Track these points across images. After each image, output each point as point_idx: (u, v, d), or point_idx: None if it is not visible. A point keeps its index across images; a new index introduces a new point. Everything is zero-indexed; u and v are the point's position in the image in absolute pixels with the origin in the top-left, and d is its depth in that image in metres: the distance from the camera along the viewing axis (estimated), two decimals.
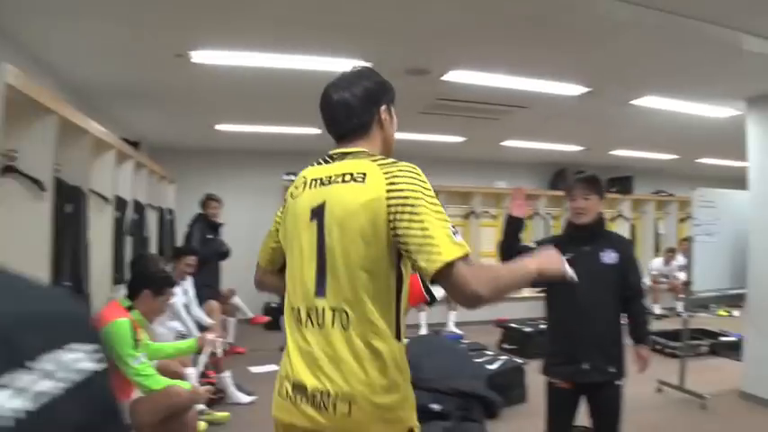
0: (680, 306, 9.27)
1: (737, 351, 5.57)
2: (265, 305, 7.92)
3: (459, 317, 7.84)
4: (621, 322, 2.85)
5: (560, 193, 9.35)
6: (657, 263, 9.55)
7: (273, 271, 1.83)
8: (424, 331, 7.50)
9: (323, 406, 1.41)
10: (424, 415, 3.89)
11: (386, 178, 1.42)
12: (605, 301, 2.76)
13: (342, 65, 4.28)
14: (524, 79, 4.65)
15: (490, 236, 9.25)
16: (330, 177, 1.52)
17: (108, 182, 4.18)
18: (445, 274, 1.32)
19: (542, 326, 6.44)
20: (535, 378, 4.22)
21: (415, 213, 1.36)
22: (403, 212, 1.37)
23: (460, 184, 8.97)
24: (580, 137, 7.29)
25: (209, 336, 3.67)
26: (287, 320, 1.56)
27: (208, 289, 5.69)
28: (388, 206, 1.38)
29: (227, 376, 4.64)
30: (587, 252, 2.78)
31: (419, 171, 1.46)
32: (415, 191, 1.39)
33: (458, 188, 8.91)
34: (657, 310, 9.24)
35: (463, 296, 1.35)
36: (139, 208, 5.28)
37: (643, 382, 4.76)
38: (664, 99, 5.21)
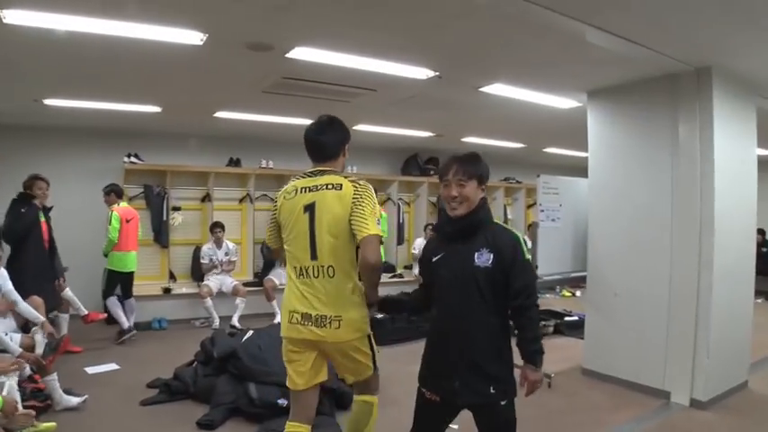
0: None
1: (580, 330, 5.72)
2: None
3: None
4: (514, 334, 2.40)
5: (411, 178, 9.36)
6: None
7: (280, 247, 2.73)
8: (277, 319, 7.06)
9: (322, 325, 2.49)
10: (271, 411, 3.59)
11: (353, 188, 2.52)
12: (481, 311, 2.30)
13: (176, 35, 3.81)
14: (372, 60, 4.38)
15: None
16: (317, 186, 2.56)
17: None
18: (364, 241, 2.43)
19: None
20: (387, 366, 4.00)
21: (361, 206, 2.48)
22: (356, 205, 2.48)
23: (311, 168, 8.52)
24: (431, 123, 7.20)
25: (38, 336, 3.75)
26: (290, 275, 2.60)
27: (32, 280, 4.81)
28: (351, 202, 2.48)
29: (53, 380, 3.95)
30: (460, 251, 2.34)
31: (369, 186, 2.59)
32: (363, 196, 2.51)
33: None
34: None
35: (366, 258, 2.43)
36: None
37: None
38: (512, 87, 5.19)
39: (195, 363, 4.70)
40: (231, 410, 3.97)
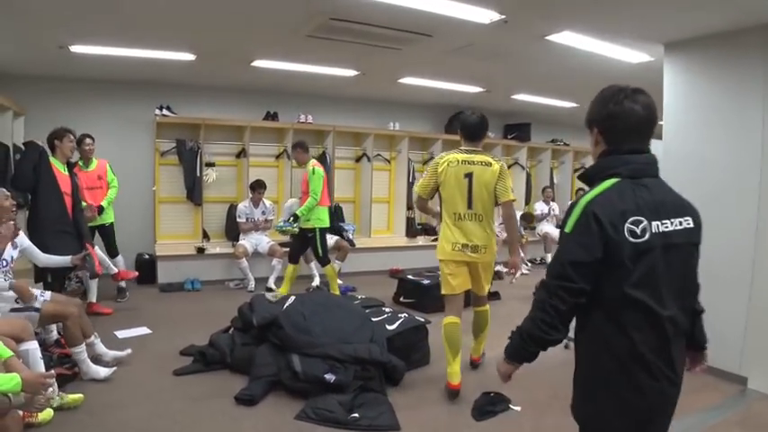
0: (549, 258, 9.33)
1: None
2: (138, 257, 6.81)
3: (347, 267, 7.21)
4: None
5: (456, 137, 8.82)
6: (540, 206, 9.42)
7: (428, 200, 3.95)
8: (317, 282, 6.80)
9: (477, 251, 3.72)
10: (317, 386, 3.31)
11: (499, 166, 3.74)
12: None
13: None
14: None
15: (384, 180, 8.64)
16: (474, 161, 3.73)
17: None
18: (506, 203, 3.77)
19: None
20: (437, 337, 4.09)
21: (503, 180, 3.73)
22: (500, 179, 3.71)
23: (352, 123, 8.14)
24: (483, 76, 6.65)
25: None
26: (448, 220, 3.77)
27: (53, 236, 4.46)
28: (498, 176, 3.71)
29: (80, 351, 3.67)
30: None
31: (505, 165, 3.84)
32: (504, 172, 3.75)
33: (349, 128, 8.10)
34: (549, 258, 9.14)
35: (507, 213, 3.87)
36: None
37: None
38: (582, 36, 4.65)
39: (232, 329, 4.42)
40: (272, 384, 3.65)
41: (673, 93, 4.71)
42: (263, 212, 6.85)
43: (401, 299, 6.14)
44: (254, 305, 4.26)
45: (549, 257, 9.44)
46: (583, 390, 1.76)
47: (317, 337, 3.81)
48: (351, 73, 6.35)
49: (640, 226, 1.56)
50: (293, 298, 4.38)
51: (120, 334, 4.81)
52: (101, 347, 3.99)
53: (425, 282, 6.04)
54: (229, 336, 4.30)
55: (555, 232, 9.35)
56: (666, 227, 1.61)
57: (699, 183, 4.40)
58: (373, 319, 4.30)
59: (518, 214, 9.04)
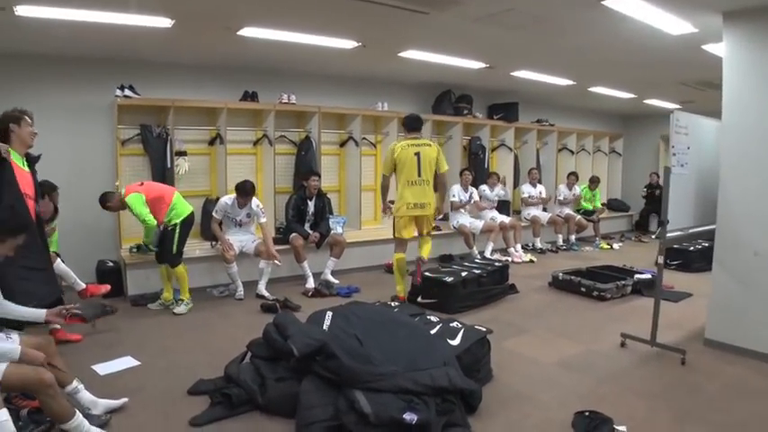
0: (560, 240, 8.97)
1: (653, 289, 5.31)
2: (99, 266, 5.80)
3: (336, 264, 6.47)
4: None
5: (444, 117, 8.25)
6: (527, 187, 9.06)
7: (390, 177, 5.46)
8: (310, 283, 6.04)
9: (423, 208, 5.37)
10: (394, 430, 2.59)
11: (436, 146, 5.53)
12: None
13: None
14: None
15: (369, 166, 7.92)
16: (418, 144, 5.36)
17: None
18: (443, 174, 5.51)
19: (464, 273, 5.68)
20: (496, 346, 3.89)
21: (441, 156, 5.49)
22: (438, 155, 5.45)
23: (336, 104, 7.33)
24: (497, 50, 6.01)
25: None
26: (404, 186, 5.34)
27: (28, 274, 3.30)
28: (437, 154, 5.43)
29: (76, 424, 2.69)
30: None
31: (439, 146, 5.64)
32: (440, 150, 5.52)
33: (337, 109, 7.29)
34: (539, 243, 8.74)
35: (442, 181, 5.56)
36: None
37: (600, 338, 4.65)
38: (641, 1, 4.11)
39: (250, 356, 3.60)
40: (331, 431, 2.91)
41: (735, 65, 4.31)
42: (248, 215, 5.89)
43: (419, 299, 5.48)
44: (286, 327, 3.43)
45: (560, 240, 9.06)
46: None
47: (381, 365, 3.07)
48: (350, 44, 5.54)
49: None
50: (331, 314, 3.60)
51: (101, 369, 3.81)
52: (86, 396, 3.03)
53: (449, 279, 5.40)
54: (252, 367, 3.46)
55: (543, 216, 8.94)
56: None
57: (765, 159, 4.10)
58: (432, 333, 3.63)
59: (526, 193, 8.89)
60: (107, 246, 5.94)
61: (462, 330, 3.75)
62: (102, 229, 5.92)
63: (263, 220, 5.84)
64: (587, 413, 3.15)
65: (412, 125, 5.48)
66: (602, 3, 4.11)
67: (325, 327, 3.45)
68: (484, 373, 3.69)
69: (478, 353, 3.67)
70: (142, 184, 5.30)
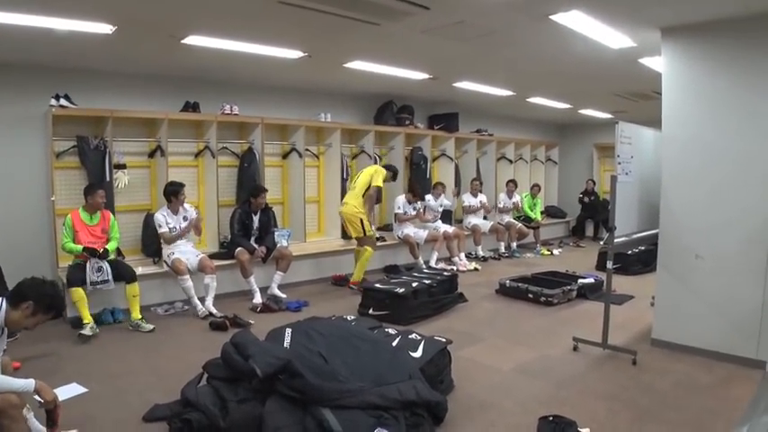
0: (502, 247, 9.17)
1: (599, 293, 6.22)
2: None
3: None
4: None
5: (387, 128, 8.28)
6: (468, 198, 9.22)
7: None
8: (257, 298, 5.89)
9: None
10: None
11: (375, 171, 7.09)
12: None
13: None
14: None
15: (312, 177, 7.84)
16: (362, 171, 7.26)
17: None
18: (371, 191, 6.99)
19: (414, 284, 5.65)
20: (453, 355, 3.90)
21: (377, 175, 6.99)
22: (374, 176, 6.97)
23: (279, 115, 7.20)
24: (442, 61, 6.06)
25: None
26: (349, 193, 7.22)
27: None
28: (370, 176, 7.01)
29: None
30: None
31: (381, 169, 7.16)
32: (378, 171, 7.06)
33: (280, 120, 7.16)
34: (481, 251, 8.90)
35: (371, 195, 7.02)
36: None
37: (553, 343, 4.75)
38: (587, 17, 4.24)
39: (206, 377, 3.44)
40: None
41: (673, 78, 4.57)
42: (185, 218, 5.69)
43: (371, 311, 5.41)
44: (246, 347, 3.30)
45: (502, 247, 9.24)
46: None
47: (347, 381, 3.02)
48: (296, 54, 5.44)
49: None
50: (291, 331, 3.50)
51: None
52: (36, 426, 2.86)
53: (400, 290, 5.38)
54: (211, 390, 3.30)
55: (484, 224, 9.11)
56: None
57: (705, 167, 4.39)
58: (393, 345, 3.60)
59: (467, 202, 9.02)
60: (42, 264, 5.50)
61: (423, 342, 3.74)
62: (37, 247, 5.54)
63: (195, 215, 5.75)
64: (551, 418, 3.21)
65: (394, 179, 7.40)
66: (550, 17, 4.22)
67: (286, 344, 3.37)
68: (446, 384, 3.70)
69: (440, 363, 3.68)
70: None
